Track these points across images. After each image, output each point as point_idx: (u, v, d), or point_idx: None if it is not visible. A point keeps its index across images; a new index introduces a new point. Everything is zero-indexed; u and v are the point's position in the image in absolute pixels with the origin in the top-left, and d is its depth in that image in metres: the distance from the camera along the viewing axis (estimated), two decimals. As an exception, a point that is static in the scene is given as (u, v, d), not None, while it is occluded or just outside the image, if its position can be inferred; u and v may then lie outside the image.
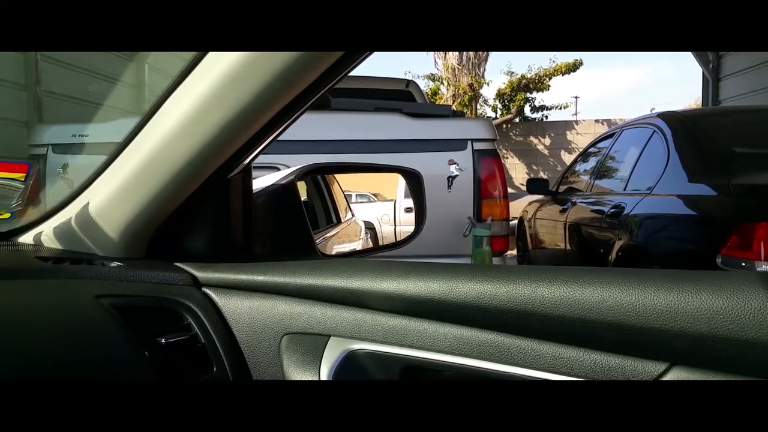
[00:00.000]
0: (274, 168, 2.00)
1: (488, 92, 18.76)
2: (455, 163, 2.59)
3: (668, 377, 0.54)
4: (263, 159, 0.88)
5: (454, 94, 12.78)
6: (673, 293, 0.52)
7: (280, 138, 0.81)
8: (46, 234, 0.84)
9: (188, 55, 0.66)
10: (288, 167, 1.29)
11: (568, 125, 13.13)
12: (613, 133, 3.88)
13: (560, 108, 13.36)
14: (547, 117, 13.22)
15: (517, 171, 12.73)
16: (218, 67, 0.62)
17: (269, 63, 0.60)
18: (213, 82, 0.63)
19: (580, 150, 4.86)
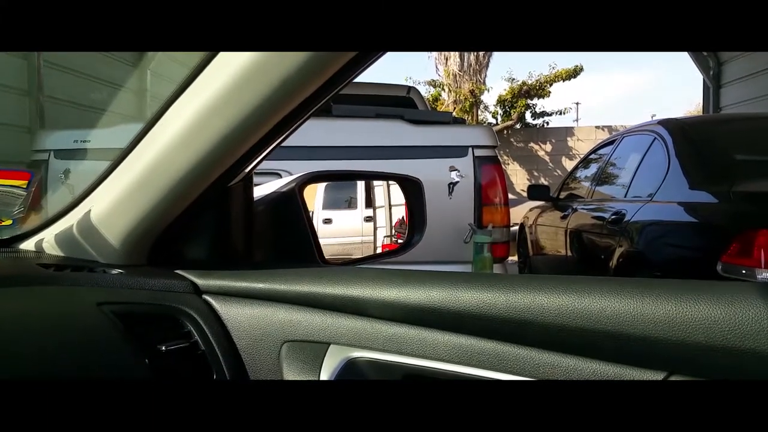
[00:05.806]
0: (275, 174, 2.00)
1: (489, 98, 18.79)
2: (456, 170, 2.59)
3: None
4: (264, 165, 0.89)
5: (455, 101, 12.80)
6: (672, 303, 0.52)
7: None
8: (47, 241, 0.84)
9: (191, 62, 0.66)
10: (289, 173, 1.29)
11: (569, 131, 13.14)
12: (614, 140, 3.89)
13: (561, 113, 13.37)
14: (548, 123, 13.23)
15: (518, 177, 12.74)
16: (221, 75, 0.62)
17: (272, 72, 0.60)
18: (216, 91, 0.63)
19: (581, 156, 4.87)
